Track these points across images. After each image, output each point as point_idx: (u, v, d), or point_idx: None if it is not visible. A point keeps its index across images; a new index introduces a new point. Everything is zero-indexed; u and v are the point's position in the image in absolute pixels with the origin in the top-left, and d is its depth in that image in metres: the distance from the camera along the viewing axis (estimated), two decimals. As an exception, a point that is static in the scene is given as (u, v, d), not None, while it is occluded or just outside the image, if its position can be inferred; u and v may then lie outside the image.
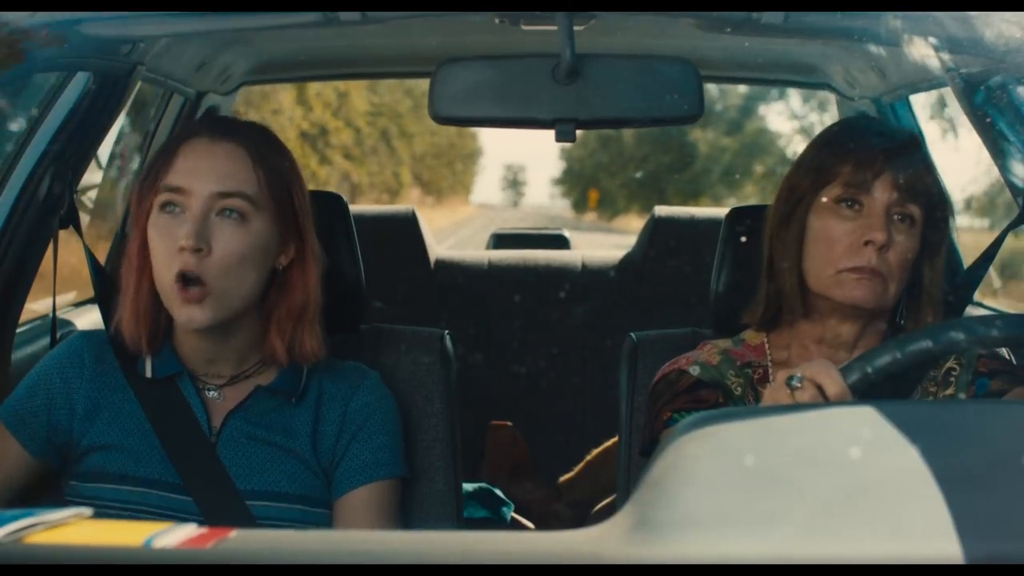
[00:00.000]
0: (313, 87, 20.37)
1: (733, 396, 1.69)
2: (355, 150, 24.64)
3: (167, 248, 1.55)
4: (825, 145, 1.70)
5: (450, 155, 39.56)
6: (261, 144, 1.62)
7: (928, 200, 1.64)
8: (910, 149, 1.68)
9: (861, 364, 1.36)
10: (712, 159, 30.11)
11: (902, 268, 1.62)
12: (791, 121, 30.25)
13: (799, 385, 1.37)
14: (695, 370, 1.70)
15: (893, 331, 1.70)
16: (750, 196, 28.51)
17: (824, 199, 1.65)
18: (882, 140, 1.66)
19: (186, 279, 1.54)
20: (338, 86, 22.12)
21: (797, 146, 27.92)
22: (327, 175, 22.28)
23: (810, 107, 28.37)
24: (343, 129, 23.68)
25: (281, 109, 19.79)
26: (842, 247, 1.62)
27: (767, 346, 1.73)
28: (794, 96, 28.51)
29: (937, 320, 1.67)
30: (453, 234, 22.89)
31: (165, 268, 1.56)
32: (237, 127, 1.65)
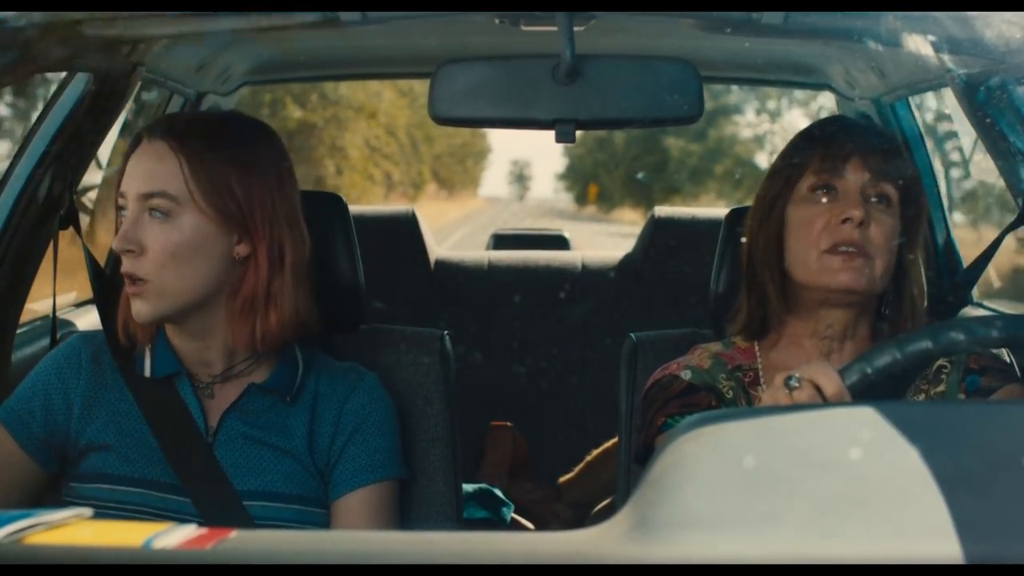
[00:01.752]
0: (377, 112, 26.59)
1: (725, 400, 1.68)
2: (397, 155, 29.96)
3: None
4: (794, 144, 1.71)
5: (462, 153, 44.70)
6: (191, 138, 1.60)
7: (904, 181, 1.65)
8: (878, 134, 1.70)
9: (861, 365, 1.36)
10: (681, 162, 34.76)
11: (886, 247, 1.62)
12: (747, 129, 35.74)
13: (797, 385, 1.37)
14: (686, 374, 1.70)
15: (881, 321, 1.70)
16: (712, 192, 33.33)
17: (798, 191, 1.66)
18: (849, 129, 1.69)
19: (130, 278, 1.59)
20: (389, 109, 28.13)
21: (752, 153, 33.40)
22: (376, 174, 27.93)
23: (762, 118, 34.02)
24: (391, 139, 29.12)
25: (358, 129, 25.48)
26: (820, 229, 1.61)
27: (757, 349, 1.73)
28: (749, 110, 34.29)
29: (921, 309, 1.67)
30: (464, 224, 26.44)
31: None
32: (169, 124, 1.64)
